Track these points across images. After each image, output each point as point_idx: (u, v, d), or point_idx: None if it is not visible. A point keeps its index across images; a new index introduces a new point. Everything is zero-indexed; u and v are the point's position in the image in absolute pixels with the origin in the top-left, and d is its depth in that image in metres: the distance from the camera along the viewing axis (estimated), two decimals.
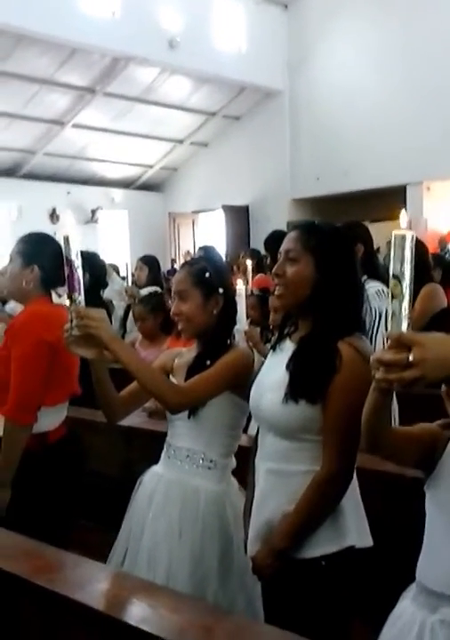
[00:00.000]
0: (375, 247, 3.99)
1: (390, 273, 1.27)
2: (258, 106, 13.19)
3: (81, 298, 1.98)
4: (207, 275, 2.33)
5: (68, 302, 2.00)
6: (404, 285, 1.26)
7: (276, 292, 2.01)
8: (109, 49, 10.67)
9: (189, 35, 11.16)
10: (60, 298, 3.02)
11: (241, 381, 2.25)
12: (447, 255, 6.92)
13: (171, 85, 12.12)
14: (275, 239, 5.86)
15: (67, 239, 1.95)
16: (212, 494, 2.30)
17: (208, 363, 2.28)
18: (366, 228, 3.76)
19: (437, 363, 1.23)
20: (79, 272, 1.96)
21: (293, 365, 1.94)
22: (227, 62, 11.69)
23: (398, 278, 1.26)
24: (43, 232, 2.96)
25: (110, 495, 3.11)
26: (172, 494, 2.32)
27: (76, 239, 1.97)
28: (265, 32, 12.28)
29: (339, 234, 2.02)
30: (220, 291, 2.35)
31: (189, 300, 2.32)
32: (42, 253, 2.73)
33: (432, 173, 11.02)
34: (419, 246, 4.61)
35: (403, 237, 1.26)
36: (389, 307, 1.28)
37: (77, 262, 1.95)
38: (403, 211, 1.32)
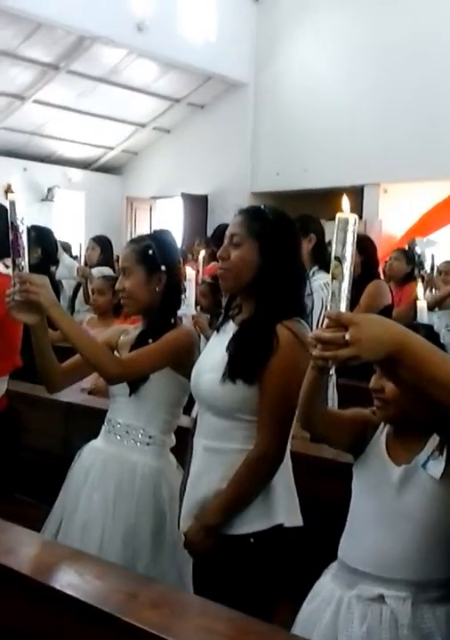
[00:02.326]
0: (327, 240, 4.04)
1: (332, 254, 1.30)
2: (223, 96, 13.18)
3: (25, 263, 1.98)
4: (150, 252, 2.35)
5: (12, 268, 1.99)
6: (345, 267, 1.29)
7: (219, 274, 2.03)
8: (76, 27, 10.51)
9: (158, 19, 11.07)
10: (8, 269, 2.99)
11: (183, 359, 2.27)
12: (416, 256, 7.03)
13: (136, 68, 12.02)
14: (221, 233, 5.90)
15: (13, 204, 1.95)
16: (148, 470, 2.32)
17: (150, 340, 2.29)
18: (318, 220, 3.81)
19: (372, 343, 1.26)
20: (23, 238, 1.96)
21: (233, 346, 1.97)
22: (194, 50, 11.64)
23: (340, 260, 1.29)
24: None
25: (48, 470, 3.09)
26: (110, 468, 2.33)
27: (21, 205, 1.97)
28: (234, 23, 12.26)
29: (283, 219, 2.05)
30: (163, 268, 2.36)
31: (132, 276, 2.35)
32: None
33: (390, 176, 11.16)
34: (368, 244, 4.75)
35: (346, 220, 1.29)
36: (330, 287, 1.32)
37: (22, 228, 1.96)
38: (345, 196, 1.35)
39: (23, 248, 1.96)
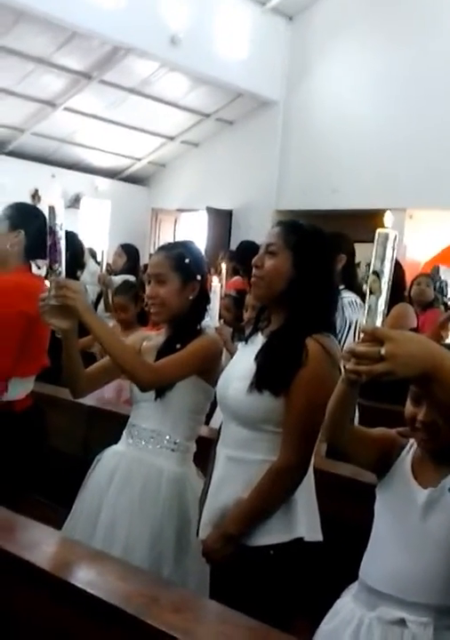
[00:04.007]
0: (356, 261, 4.06)
1: (371, 269, 1.30)
2: (252, 113, 13.25)
3: (61, 268, 2.00)
4: (187, 261, 2.36)
5: (48, 272, 2.02)
6: (383, 282, 1.29)
7: (252, 282, 2.05)
8: (110, 37, 10.63)
9: (192, 34, 11.17)
10: (40, 270, 3.03)
11: (208, 366, 2.29)
12: (438, 283, 7.07)
13: (168, 81, 12.12)
14: (244, 249, 5.94)
15: (52, 209, 1.97)
16: (173, 475, 2.33)
17: (178, 346, 2.30)
18: (351, 241, 3.83)
19: (408, 359, 1.26)
20: (62, 243, 1.98)
21: (261, 357, 1.98)
22: (226, 66, 11.73)
23: (378, 274, 1.29)
24: (29, 203, 2.97)
25: (67, 473, 3.11)
26: (135, 472, 2.34)
27: (61, 211, 1.99)
28: (267, 41, 12.35)
29: (320, 236, 2.07)
30: (198, 277, 2.38)
31: (167, 283, 2.34)
32: (29, 221, 2.73)
33: (416, 202, 11.15)
34: (396, 267, 4.74)
35: (386, 235, 1.30)
36: (366, 302, 1.32)
37: (61, 233, 1.97)
38: (388, 212, 1.36)
39: (61, 253, 1.98)
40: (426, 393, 1.39)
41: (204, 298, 2.46)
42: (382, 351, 1.24)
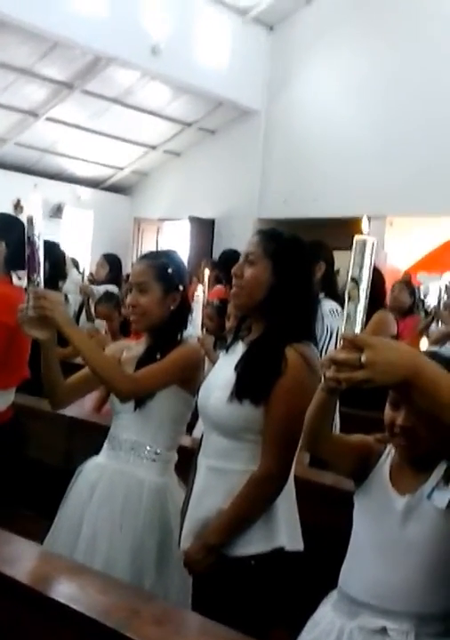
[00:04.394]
0: (336, 269, 4.07)
1: (349, 276, 1.31)
2: (234, 122, 13.28)
3: (40, 279, 2.00)
4: (170, 271, 2.36)
5: (27, 283, 2.01)
6: (361, 289, 1.30)
7: (232, 291, 2.06)
8: (92, 47, 10.63)
9: (173, 43, 11.20)
10: (20, 280, 3.02)
11: (189, 376, 2.29)
12: (416, 290, 7.08)
13: (149, 91, 12.14)
14: (226, 258, 5.97)
15: (31, 219, 1.97)
16: (154, 486, 2.32)
17: (158, 356, 2.30)
18: (329, 249, 3.84)
19: (387, 367, 1.26)
20: (40, 254, 1.98)
21: (241, 366, 1.99)
22: (207, 75, 11.76)
23: (356, 281, 1.30)
24: (10, 214, 2.97)
25: (49, 484, 3.09)
26: (116, 484, 2.33)
27: (39, 221, 1.99)
28: (248, 51, 12.40)
29: (298, 244, 2.08)
30: (180, 288, 2.38)
31: (149, 293, 2.34)
32: (9, 232, 2.73)
33: (397, 209, 11.22)
34: (375, 275, 4.75)
35: (364, 242, 1.30)
36: (345, 309, 1.32)
37: (39, 243, 1.98)
38: (365, 216, 1.37)
39: (39, 264, 1.98)
40: (406, 400, 1.39)
41: (185, 308, 2.46)
42: (362, 359, 1.24)
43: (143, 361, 2.34)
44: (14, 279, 2.85)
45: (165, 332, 2.37)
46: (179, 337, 2.40)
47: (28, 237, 1.96)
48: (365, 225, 1.32)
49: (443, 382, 1.31)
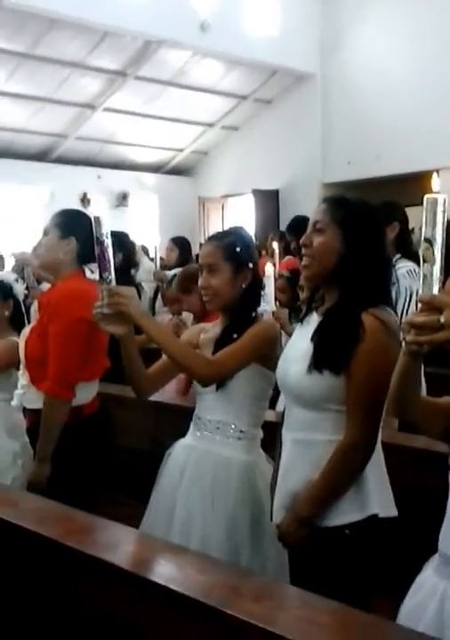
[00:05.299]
0: (410, 228, 3.98)
1: (422, 237, 1.28)
2: (290, 89, 13.12)
3: (112, 277, 2.04)
4: (238, 249, 2.36)
5: (99, 281, 2.05)
6: (436, 249, 1.27)
7: (302, 262, 2.04)
8: (141, 32, 10.67)
9: (221, 17, 11.10)
10: (93, 274, 3.07)
11: (267, 352, 2.29)
12: None
13: (202, 69, 12.10)
14: (297, 224, 5.89)
15: (97, 219, 2.01)
16: (242, 464, 2.34)
17: (235, 336, 2.31)
18: (402, 208, 3.76)
19: None
20: (109, 252, 2.02)
21: (318, 336, 1.97)
22: (258, 45, 11.63)
23: (430, 242, 1.27)
24: (77, 209, 3.02)
25: (139, 469, 3.16)
26: (204, 465, 2.36)
27: (105, 220, 2.02)
28: (298, 15, 12.17)
29: (367, 208, 2.04)
30: (250, 265, 2.38)
31: (219, 273, 2.34)
32: (79, 227, 2.76)
33: None
34: (448, 233, 4.64)
35: (435, 200, 1.27)
36: (421, 270, 1.29)
37: (107, 242, 2.01)
38: (435, 174, 1.33)
39: (109, 262, 2.02)
40: None
41: (257, 285, 2.46)
42: (441, 319, 1.22)
43: (220, 342, 2.35)
44: (88, 273, 2.89)
45: (240, 311, 2.37)
46: (253, 314, 2.40)
47: (97, 237, 2.00)
48: (435, 182, 1.29)
49: None
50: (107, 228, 2.01)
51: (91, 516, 2.00)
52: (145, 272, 6.34)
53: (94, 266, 2.89)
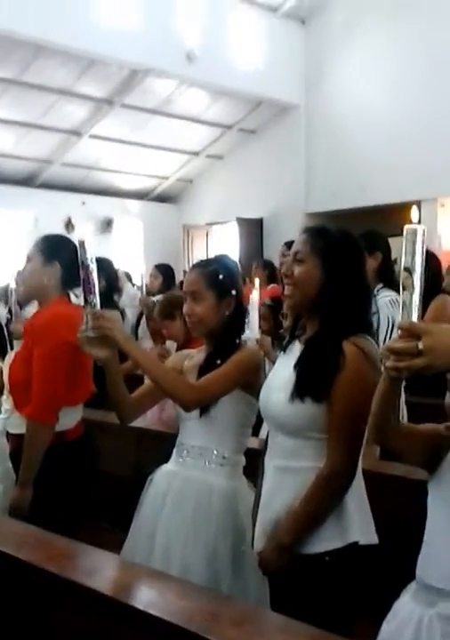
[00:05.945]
0: (393, 258, 4.03)
1: (402, 266, 1.31)
2: (274, 120, 13.27)
3: (96, 300, 2.05)
4: (221, 277, 2.38)
5: (84, 305, 2.07)
6: (415, 277, 1.30)
7: (285, 292, 2.06)
8: (128, 61, 10.77)
9: (207, 48, 11.25)
10: (78, 298, 3.08)
11: (251, 379, 2.31)
12: None
13: (188, 98, 12.22)
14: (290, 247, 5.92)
15: (82, 243, 2.02)
16: (225, 490, 2.35)
17: (219, 362, 2.32)
18: (385, 238, 3.80)
19: (446, 351, 1.26)
20: (94, 275, 2.03)
21: (300, 365, 1.99)
22: (244, 76, 11.78)
23: (409, 271, 1.30)
24: (61, 234, 3.03)
25: (120, 495, 3.15)
26: (187, 491, 2.36)
27: (91, 244, 2.04)
28: (282, 47, 12.37)
29: (347, 238, 2.08)
30: (233, 293, 2.40)
31: (203, 301, 2.37)
32: (62, 251, 2.77)
33: (446, 190, 11.03)
34: (432, 260, 4.70)
35: (414, 231, 1.31)
36: (401, 298, 1.33)
37: (92, 266, 2.02)
38: (414, 206, 1.37)
39: (94, 285, 2.03)
40: None
41: (241, 312, 2.48)
42: (420, 345, 1.25)
43: (204, 368, 2.36)
44: (72, 298, 2.90)
45: (224, 338, 2.40)
46: (238, 341, 2.42)
47: (82, 262, 2.01)
48: (414, 213, 1.32)
49: None
50: (92, 251, 2.02)
51: (71, 542, 1.99)
52: (128, 298, 6.35)
53: (79, 290, 2.91)
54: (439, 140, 10.93)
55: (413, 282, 1.30)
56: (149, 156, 13.33)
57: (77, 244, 2.03)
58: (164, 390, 2.28)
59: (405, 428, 1.78)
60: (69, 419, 2.78)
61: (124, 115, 12.10)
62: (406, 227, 1.32)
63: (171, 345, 4.04)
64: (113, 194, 13.96)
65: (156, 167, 13.87)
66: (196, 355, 2.52)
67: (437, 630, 1.64)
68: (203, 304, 2.37)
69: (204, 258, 2.62)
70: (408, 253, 1.31)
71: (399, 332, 1.29)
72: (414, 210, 1.35)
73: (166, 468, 2.49)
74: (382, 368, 1.38)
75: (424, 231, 1.31)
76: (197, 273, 2.42)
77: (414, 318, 1.29)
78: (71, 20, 9.58)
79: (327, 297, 1.99)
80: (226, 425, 2.37)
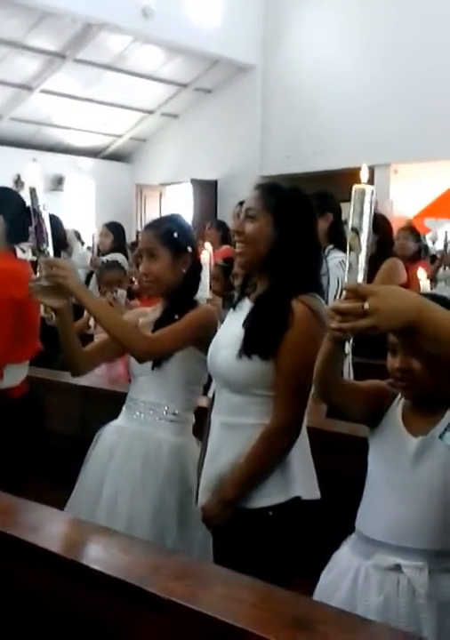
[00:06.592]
0: (343, 219, 4.04)
1: (350, 226, 1.30)
2: (231, 80, 13.14)
3: (50, 249, 2.03)
4: (176, 235, 2.38)
5: (36, 253, 2.04)
6: (362, 238, 1.29)
7: (236, 250, 2.05)
8: (81, 14, 10.51)
9: (164, 4, 11.03)
10: (24, 254, 3.02)
11: (205, 336, 2.30)
12: (424, 241, 7.09)
13: (143, 55, 12.01)
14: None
15: (33, 191, 1.99)
16: (173, 445, 2.36)
17: (176, 317, 2.32)
18: (336, 199, 3.81)
19: (391, 313, 1.27)
20: (47, 224, 2.00)
21: (248, 322, 1.99)
22: (201, 34, 11.61)
23: (357, 231, 1.29)
24: (5, 187, 2.94)
25: (65, 453, 3.13)
26: (135, 445, 2.37)
27: (41, 192, 2.01)
28: (241, 5, 12.19)
29: (299, 196, 2.07)
30: (189, 249, 2.40)
31: (159, 259, 2.37)
32: (6, 206, 2.70)
33: (400, 156, 11.12)
34: (383, 223, 4.74)
35: (362, 191, 1.29)
36: (347, 259, 1.32)
37: (44, 214, 1.99)
38: (364, 165, 1.36)
39: (47, 234, 2.01)
40: (409, 344, 1.40)
41: (197, 269, 2.49)
42: (365, 306, 1.25)
43: (161, 322, 2.37)
44: (19, 253, 2.84)
45: (181, 295, 2.40)
46: (194, 299, 2.42)
47: (34, 209, 1.99)
48: (364, 174, 1.31)
49: (446, 323, 1.31)
50: (43, 199, 1.99)
51: (13, 498, 1.97)
52: (78, 258, 6.27)
53: (25, 245, 2.85)
54: (395, 106, 10.99)
55: (360, 242, 1.29)
56: (102, 113, 13.11)
57: (29, 192, 1.99)
58: (117, 339, 2.26)
59: (348, 385, 1.81)
60: (14, 376, 2.73)
61: (77, 69, 11.85)
62: (355, 186, 1.30)
63: (121, 294, 4.04)
64: (65, 151, 13.71)
65: (109, 125, 13.64)
66: (152, 313, 2.52)
67: (374, 582, 1.69)
68: (159, 262, 2.36)
69: (158, 217, 2.60)
70: (356, 213, 1.29)
71: (345, 292, 1.29)
72: (364, 169, 1.34)
73: (115, 423, 2.49)
74: (328, 328, 1.38)
75: (373, 191, 1.29)
76: (152, 233, 2.42)
77: (360, 279, 1.29)
78: None
79: (278, 255, 1.98)
80: (178, 381, 2.37)
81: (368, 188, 1.30)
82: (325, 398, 1.81)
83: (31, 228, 2.06)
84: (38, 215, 1.98)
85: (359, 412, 1.82)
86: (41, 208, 1.98)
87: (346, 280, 1.31)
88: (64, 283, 2.02)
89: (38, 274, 2.03)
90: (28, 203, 2.02)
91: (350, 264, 1.31)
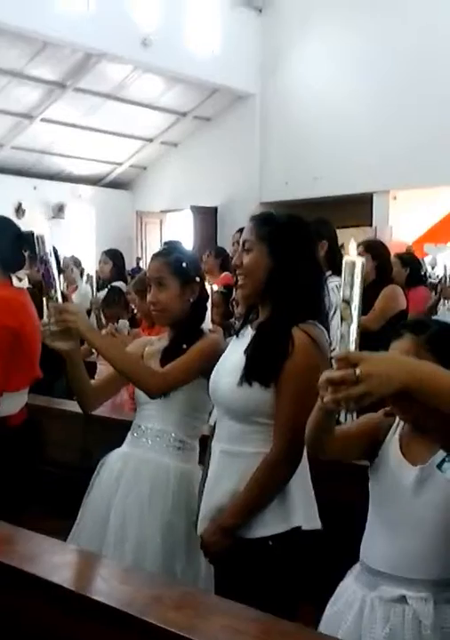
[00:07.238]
0: (340, 244, 4.06)
1: (341, 297, 1.31)
2: (229, 108, 13.26)
3: (58, 294, 2.08)
4: (184, 264, 2.39)
5: (45, 298, 2.09)
6: (352, 308, 1.30)
7: (237, 283, 2.07)
8: (81, 44, 10.64)
9: (163, 34, 11.17)
10: (21, 282, 3.03)
11: (213, 366, 2.30)
12: (425, 266, 7.11)
13: (142, 84, 12.12)
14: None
15: (41, 239, 2.02)
16: (181, 471, 2.36)
17: (184, 346, 2.33)
18: (331, 225, 3.83)
19: (383, 378, 1.26)
20: (54, 270, 2.04)
21: (250, 350, 1.99)
22: (200, 63, 11.74)
23: (348, 302, 1.30)
24: (1, 215, 2.95)
25: (66, 482, 3.11)
26: (143, 471, 2.36)
27: (48, 237, 2.04)
28: (239, 35, 12.36)
29: (293, 223, 2.08)
30: (197, 279, 2.41)
31: (167, 288, 2.38)
32: (2, 234, 2.72)
33: (399, 183, 11.18)
34: (382, 250, 4.76)
35: (353, 263, 1.30)
36: (339, 330, 1.32)
37: (52, 260, 2.03)
38: (352, 240, 1.36)
39: (54, 279, 2.04)
40: (407, 406, 1.39)
41: (204, 298, 2.51)
42: (357, 372, 1.24)
43: (169, 351, 2.38)
44: (15, 281, 2.85)
45: (188, 324, 2.41)
46: (201, 328, 2.44)
47: (41, 257, 2.02)
48: (352, 246, 1.32)
49: (443, 381, 1.31)
50: (50, 245, 2.03)
51: (12, 527, 1.96)
52: (80, 296, 6.29)
53: (21, 273, 2.86)
54: (393, 133, 11.08)
55: (351, 312, 1.29)
56: (103, 142, 13.20)
57: (35, 240, 2.02)
58: (128, 377, 2.30)
59: (339, 436, 1.76)
60: (11, 404, 2.73)
61: (78, 99, 11.96)
62: (345, 258, 1.31)
63: (123, 324, 4.05)
64: (65, 179, 13.79)
65: (109, 153, 13.74)
66: (157, 342, 2.53)
67: (379, 613, 1.67)
68: (167, 291, 2.38)
69: (165, 246, 2.61)
70: (347, 285, 1.30)
71: (336, 363, 1.29)
72: (352, 243, 1.34)
73: (120, 450, 2.48)
74: (322, 396, 1.36)
75: (363, 264, 1.30)
76: (161, 261, 2.42)
77: (352, 350, 1.29)
78: (25, 0, 9.40)
79: (276, 282, 1.98)
80: (184, 409, 2.38)
81: (358, 260, 1.30)
82: (318, 457, 1.79)
83: (40, 270, 2.09)
84: (46, 262, 2.02)
85: (355, 454, 1.81)
86: (48, 256, 2.02)
87: (338, 350, 1.31)
88: (74, 327, 2.07)
89: (46, 318, 2.08)
90: (36, 248, 2.05)
91: (342, 335, 1.30)
